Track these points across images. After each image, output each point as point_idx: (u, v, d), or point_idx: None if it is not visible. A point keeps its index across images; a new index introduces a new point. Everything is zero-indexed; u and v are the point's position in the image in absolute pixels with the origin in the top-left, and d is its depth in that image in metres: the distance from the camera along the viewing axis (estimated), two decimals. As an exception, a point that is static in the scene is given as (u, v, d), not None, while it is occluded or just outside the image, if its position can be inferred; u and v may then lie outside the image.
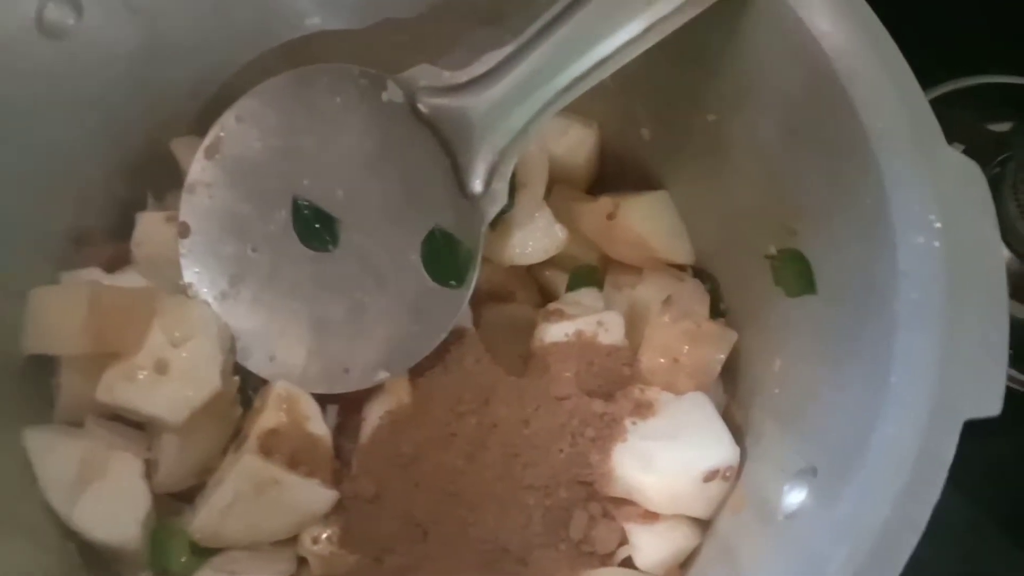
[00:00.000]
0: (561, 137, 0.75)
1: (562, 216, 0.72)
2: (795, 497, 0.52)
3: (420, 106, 0.66)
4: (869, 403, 0.48)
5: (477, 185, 0.66)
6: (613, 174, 0.78)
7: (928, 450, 0.45)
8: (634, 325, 0.71)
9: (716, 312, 0.72)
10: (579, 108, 0.69)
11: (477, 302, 0.71)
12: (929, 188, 0.49)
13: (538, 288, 0.78)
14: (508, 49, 0.63)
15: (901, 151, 0.50)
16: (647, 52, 0.61)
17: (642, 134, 0.73)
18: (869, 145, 0.51)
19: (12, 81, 0.61)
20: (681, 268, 0.74)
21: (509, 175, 0.65)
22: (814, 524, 0.49)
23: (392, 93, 0.67)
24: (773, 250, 0.63)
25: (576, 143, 0.76)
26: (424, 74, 0.66)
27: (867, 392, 0.49)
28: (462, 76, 0.64)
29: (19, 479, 0.60)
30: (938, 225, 0.49)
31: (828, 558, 0.45)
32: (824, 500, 0.49)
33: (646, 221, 0.72)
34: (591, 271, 0.76)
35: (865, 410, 0.48)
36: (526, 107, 0.63)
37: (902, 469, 0.45)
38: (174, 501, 0.66)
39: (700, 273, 0.74)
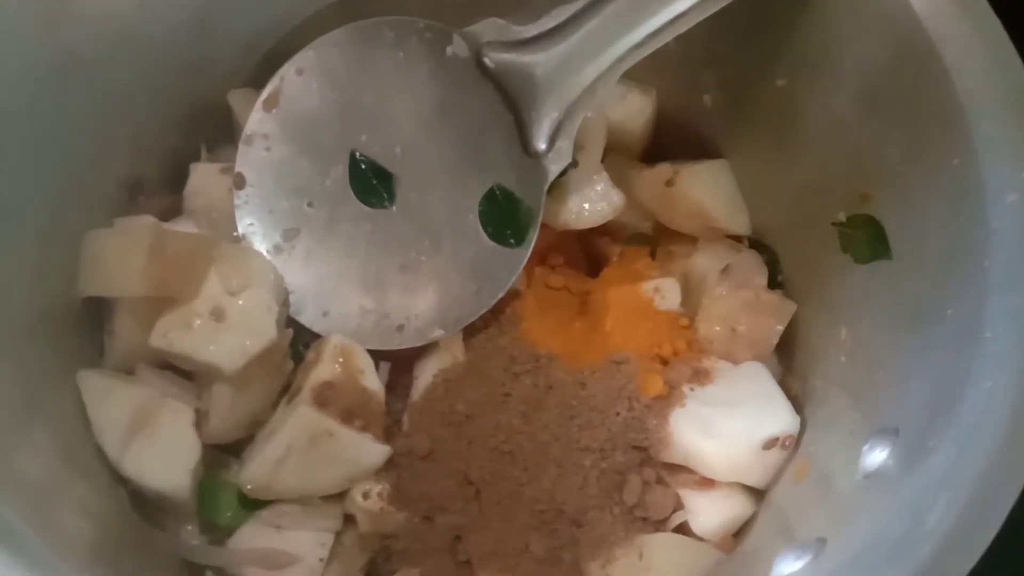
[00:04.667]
0: (618, 104, 0.74)
1: (616, 183, 0.71)
2: (876, 457, 0.52)
3: (486, 61, 0.65)
4: (958, 360, 0.47)
5: (541, 143, 0.65)
6: (669, 142, 0.76)
7: (1025, 404, 0.44)
8: (689, 294, 0.71)
9: (774, 283, 0.71)
10: (638, 75, 0.69)
11: (527, 266, 0.70)
12: (1022, 147, 0.49)
13: (589, 255, 0.77)
14: (580, 3, 0.62)
15: (992, 111, 0.50)
16: (717, 14, 0.60)
17: (704, 101, 0.73)
18: (959, 106, 0.51)
19: (84, 24, 0.60)
20: (737, 239, 0.73)
21: (574, 132, 0.65)
22: (902, 480, 0.48)
23: (457, 47, 0.66)
24: (842, 217, 0.62)
25: (634, 111, 0.75)
26: (491, 29, 0.65)
27: (955, 350, 0.48)
28: (531, 30, 0.64)
29: (75, 421, 0.59)
30: (1032, 183, 0.48)
31: (926, 509, 0.44)
32: (911, 457, 0.49)
33: (706, 190, 0.72)
34: (645, 239, 0.76)
35: (953, 368, 0.48)
36: (597, 62, 0.62)
37: (1000, 423, 0.44)
38: (221, 454, 0.66)
39: (756, 244, 0.73)
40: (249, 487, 0.62)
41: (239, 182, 0.67)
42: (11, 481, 0.48)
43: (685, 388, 0.64)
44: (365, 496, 0.63)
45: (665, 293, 0.69)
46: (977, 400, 0.46)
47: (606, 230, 0.74)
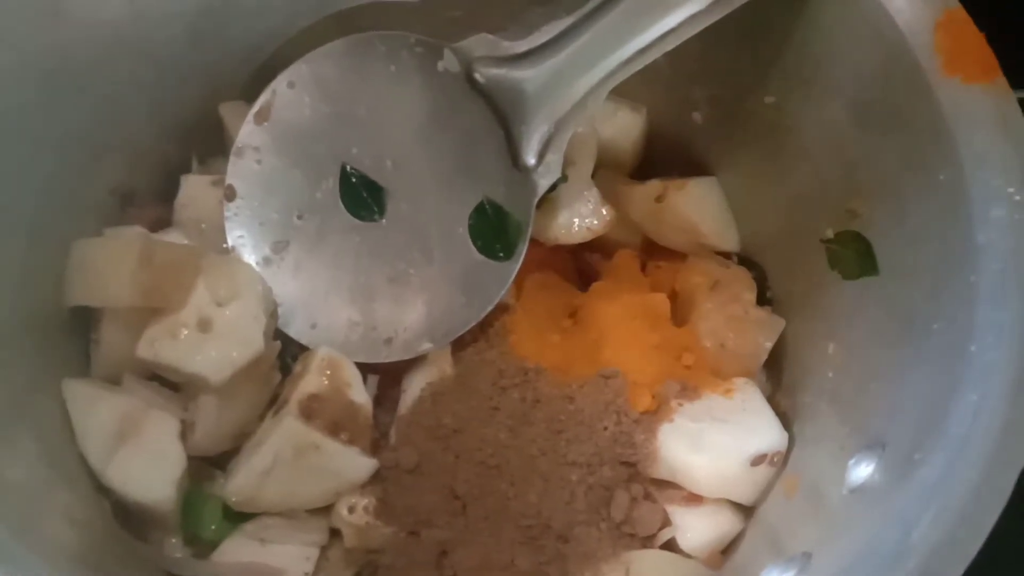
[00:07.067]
0: (609, 121, 0.75)
1: (607, 199, 0.72)
2: (862, 471, 0.52)
3: (476, 76, 0.66)
4: (946, 374, 0.47)
5: (530, 157, 0.66)
6: (659, 159, 0.77)
7: (1014, 417, 0.44)
8: (677, 310, 0.71)
9: (762, 299, 0.71)
10: (628, 92, 0.69)
11: (517, 280, 0.70)
12: (1008, 161, 0.49)
13: (578, 270, 0.77)
14: (570, 19, 0.62)
15: (979, 126, 0.50)
16: (706, 31, 0.60)
17: (693, 118, 0.73)
18: (945, 121, 0.51)
19: (80, 30, 0.60)
20: (726, 255, 0.74)
21: (564, 147, 0.65)
22: (888, 494, 0.48)
23: (448, 62, 0.66)
24: (830, 233, 0.62)
25: (624, 127, 0.75)
26: (482, 44, 0.65)
27: (943, 363, 0.48)
28: (522, 46, 0.64)
29: (60, 430, 0.59)
30: (1018, 198, 0.48)
31: (912, 523, 0.44)
32: (897, 471, 0.49)
33: (696, 206, 0.72)
34: (634, 256, 0.76)
35: (941, 381, 0.48)
36: (587, 78, 0.62)
37: (987, 436, 0.44)
38: (206, 466, 0.65)
39: (745, 260, 0.73)
40: (234, 500, 0.61)
41: (229, 194, 0.67)
42: (-5, 486, 0.48)
43: (673, 403, 0.64)
44: (351, 510, 0.63)
45: (654, 309, 0.69)
46: (964, 413, 0.46)
47: (595, 246, 0.74)
